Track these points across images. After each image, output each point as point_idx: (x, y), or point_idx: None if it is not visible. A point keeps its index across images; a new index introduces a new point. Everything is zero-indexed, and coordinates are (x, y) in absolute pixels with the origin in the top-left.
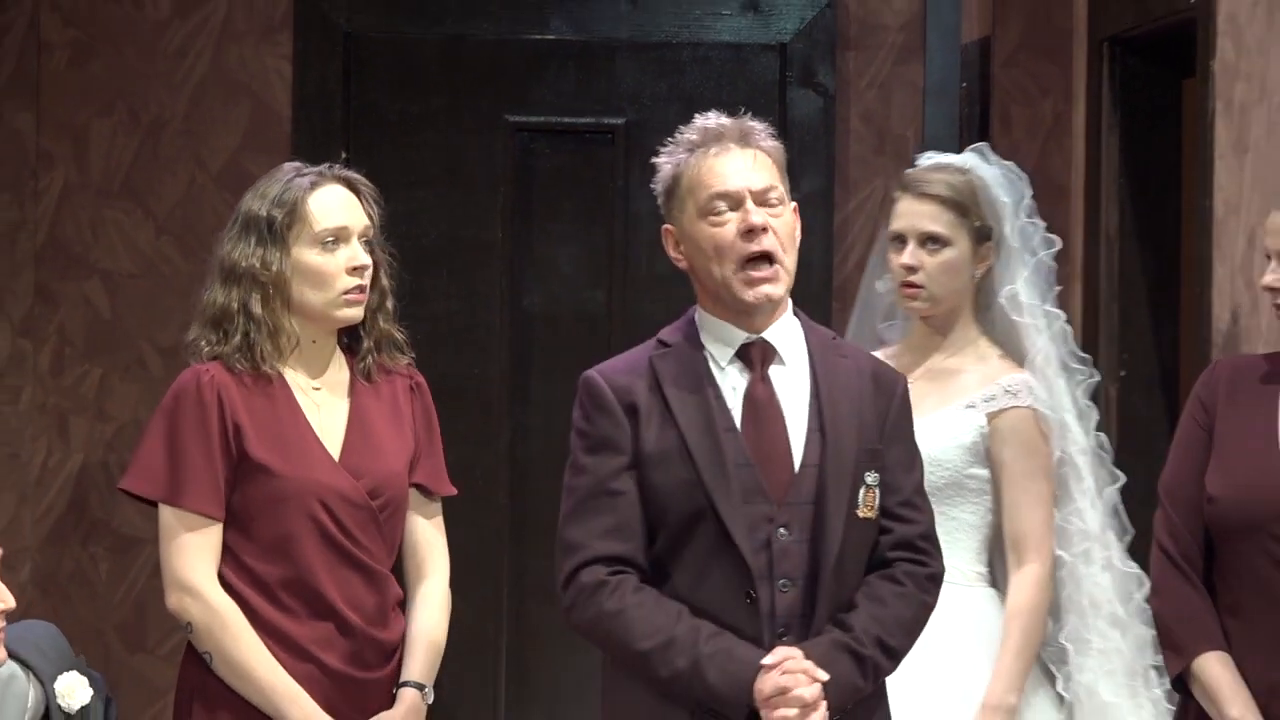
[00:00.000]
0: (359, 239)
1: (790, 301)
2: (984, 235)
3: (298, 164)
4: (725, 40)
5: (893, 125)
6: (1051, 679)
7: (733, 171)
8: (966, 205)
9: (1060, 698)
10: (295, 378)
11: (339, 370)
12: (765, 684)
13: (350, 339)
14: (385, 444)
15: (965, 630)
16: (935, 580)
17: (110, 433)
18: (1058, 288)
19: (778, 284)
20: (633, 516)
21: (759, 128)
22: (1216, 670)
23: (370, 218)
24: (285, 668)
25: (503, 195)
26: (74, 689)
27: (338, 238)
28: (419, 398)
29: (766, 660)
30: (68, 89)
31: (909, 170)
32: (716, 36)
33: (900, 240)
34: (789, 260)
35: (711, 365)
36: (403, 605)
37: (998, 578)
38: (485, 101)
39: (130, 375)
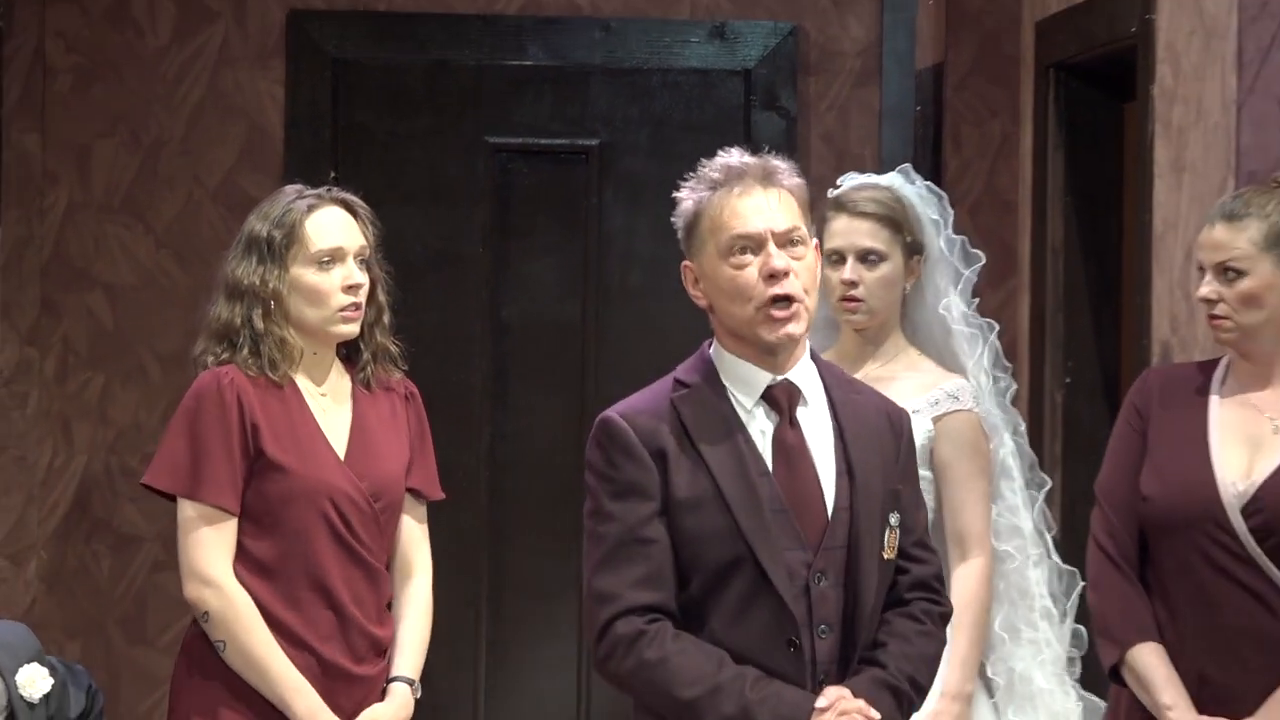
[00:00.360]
0: (355, 259)
1: (807, 341)
2: (914, 250)
3: (300, 186)
4: (693, 66)
5: (851, 145)
6: (981, 665)
7: (754, 212)
8: (899, 221)
9: (989, 685)
10: (303, 384)
11: (339, 379)
12: None
13: (349, 350)
14: (385, 449)
15: None
16: (947, 619)
17: (112, 436)
18: (976, 300)
19: (800, 322)
20: (665, 564)
21: (782, 167)
22: (1151, 660)
23: (366, 238)
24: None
25: (483, 212)
26: (34, 680)
27: (334, 258)
28: (413, 407)
29: (820, 703)
30: (72, 111)
31: (841, 190)
32: (685, 63)
33: (839, 256)
34: (810, 300)
35: (737, 408)
36: (387, 603)
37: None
38: (467, 123)
39: (131, 382)
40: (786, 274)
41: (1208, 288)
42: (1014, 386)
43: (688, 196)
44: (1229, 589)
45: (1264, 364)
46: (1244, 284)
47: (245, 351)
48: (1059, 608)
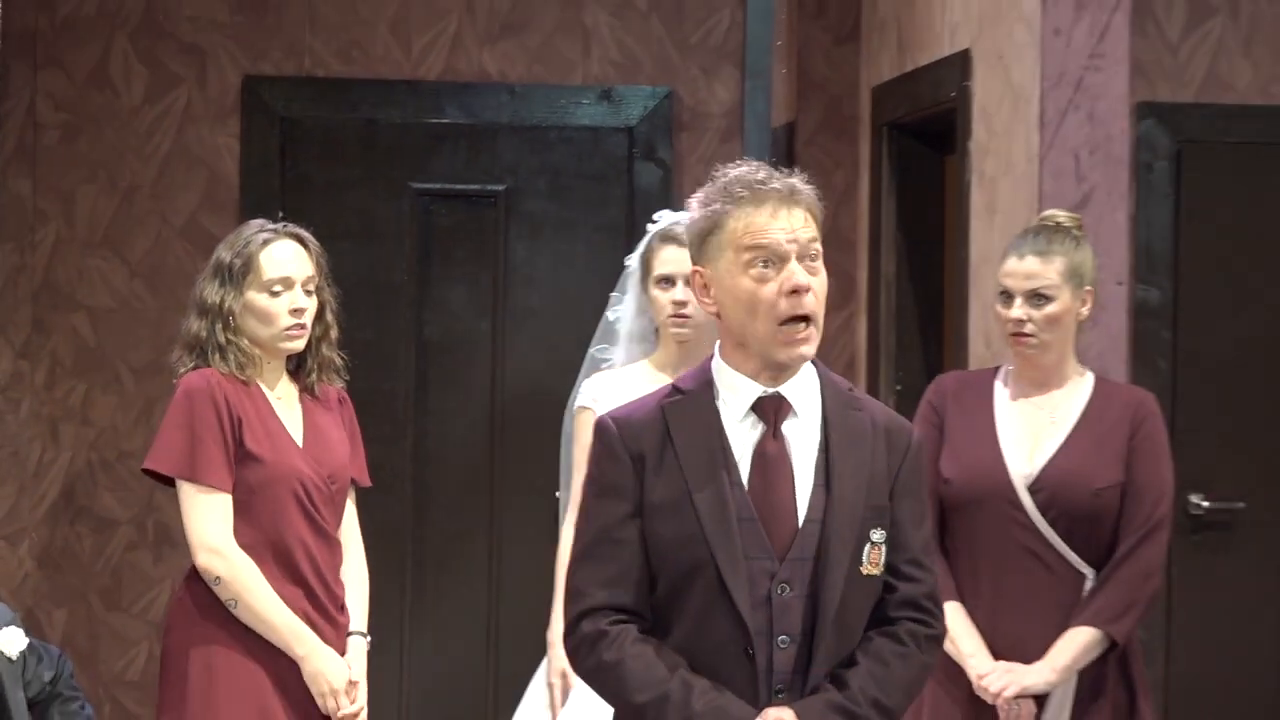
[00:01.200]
0: (302, 286)
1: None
2: None
3: (263, 221)
4: (585, 124)
5: None
6: None
7: (779, 228)
8: None
9: None
10: (263, 387)
11: (289, 385)
12: None
13: (298, 361)
14: (333, 441)
15: None
16: (937, 641)
17: (93, 436)
18: None
19: (812, 344)
20: (634, 565)
21: (803, 186)
22: (953, 617)
23: (315, 268)
24: None
25: (407, 246)
26: (12, 640)
27: (283, 285)
28: (346, 410)
29: None
30: (59, 161)
31: (665, 225)
32: (578, 121)
33: (668, 281)
34: (821, 320)
35: (725, 417)
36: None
37: None
38: (394, 172)
39: (109, 390)
40: (808, 290)
41: (1020, 311)
42: None
43: (704, 205)
44: (1018, 554)
45: (1046, 372)
46: (1050, 308)
47: (217, 357)
48: None
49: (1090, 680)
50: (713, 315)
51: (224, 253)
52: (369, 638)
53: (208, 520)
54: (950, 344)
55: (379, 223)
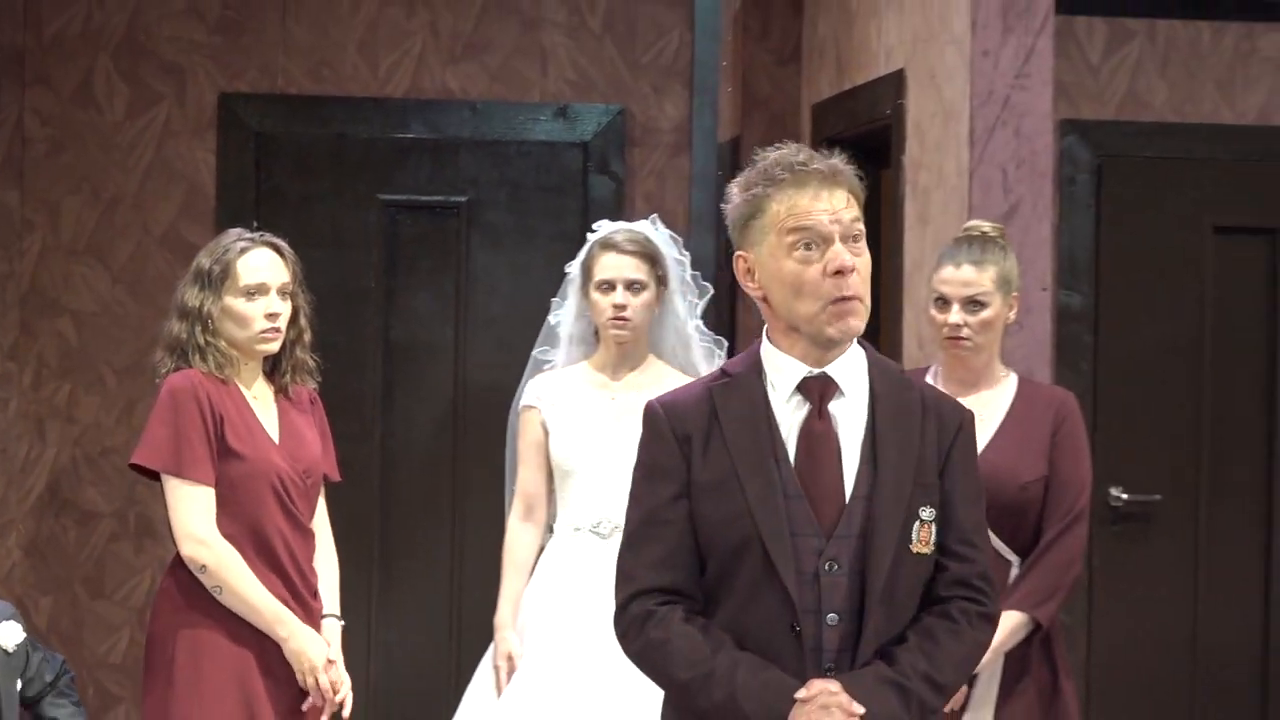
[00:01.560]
0: (277, 292)
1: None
2: (662, 282)
3: (242, 230)
4: (542, 139)
5: (667, 203)
6: None
7: (822, 209)
8: (655, 258)
9: None
10: (241, 386)
11: (264, 385)
12: (799, 717)
13: (274, 362)
14: (307, 439)
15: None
16: (990, 619)
17: (77, 433)
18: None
19: (860, 319)
20: (682, 546)
21: (844, 166)
22: None
23: (290, 275)
24: None
25: (375, 255)
26: (8, 634)
27: (258, 291)
28: (318, 410)
29: (800, 694)
30: (45, 173)
31: (605, 234)
32: (535, 136)
33: (609, 286)
34: (868, 299)
35: (772, 398)
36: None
37: None
38: (362, 184)
39: (92, 390)
40: (852, 269)
41: (957, 316)
42: None
43: (746, 189)
44: None
45: (976, 373)
46: (984, 313)
47: (197, 358)
48: None
49: (1016, 661)
50: (759, 299)
51: (204, 259)
52: (342, 621)
53: (193, 512)
54: (885, 345)
55: (348, 232)
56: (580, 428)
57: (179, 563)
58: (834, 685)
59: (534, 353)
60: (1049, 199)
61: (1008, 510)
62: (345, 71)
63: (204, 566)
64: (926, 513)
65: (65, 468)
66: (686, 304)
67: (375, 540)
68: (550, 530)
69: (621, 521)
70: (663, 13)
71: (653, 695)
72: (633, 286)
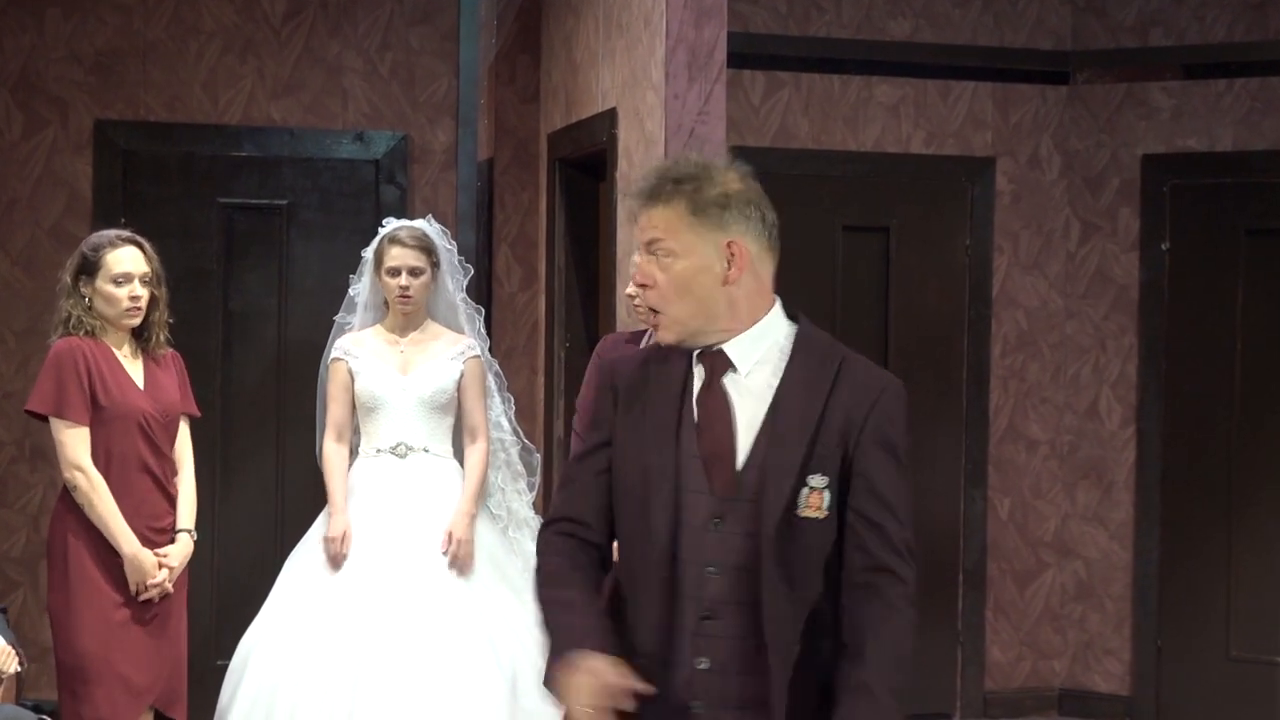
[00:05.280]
0: (139, 280)
1: (770, 313)
2: (436, 266)
3: (115, 230)
4: (344, 157)
5: (440, 206)
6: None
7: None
8: (431, 249)
9: (495, 517)
10: (113, 349)
11: (131, 347)
12: (562, 675)
13: (139, 331)
14: (165, 387)
15: (444, 484)
16: (909, 589)
17: None
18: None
19: (661, 328)
20: (595, 486)
21: (670, 186)
22: None
23: (149, 266)
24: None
25: (216, 245)
26: None
27: (125, 279)
28: (179, 364)
29: (576, 658)
30: None
31: (392, 229)
32: (339, 155)
33: (396, 272)
34: (672, 309)
35: (694, 366)
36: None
37: (456, 453)
38: (206, 191)
39: None
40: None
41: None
42: (486, 343)
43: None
44: None
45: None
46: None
47: (77, 328)
48: (527, 472)
49: None
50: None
51: (85, 249)
52: (195, 535)
53: (72, 446)
54: (604, 313)
55: (195, 227)
56: (380, 373)
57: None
58: (600, 662)
59: (335, 318)
60: None
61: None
62: (192, 104)
63: (76, 488)
64: (816, 479)
65: None
66: (454, 281)
67: (218, 463)
68: (355, 452)
69: (413, 445)
70: (436, 63)
71: (449, 593)
72: (414, 271)
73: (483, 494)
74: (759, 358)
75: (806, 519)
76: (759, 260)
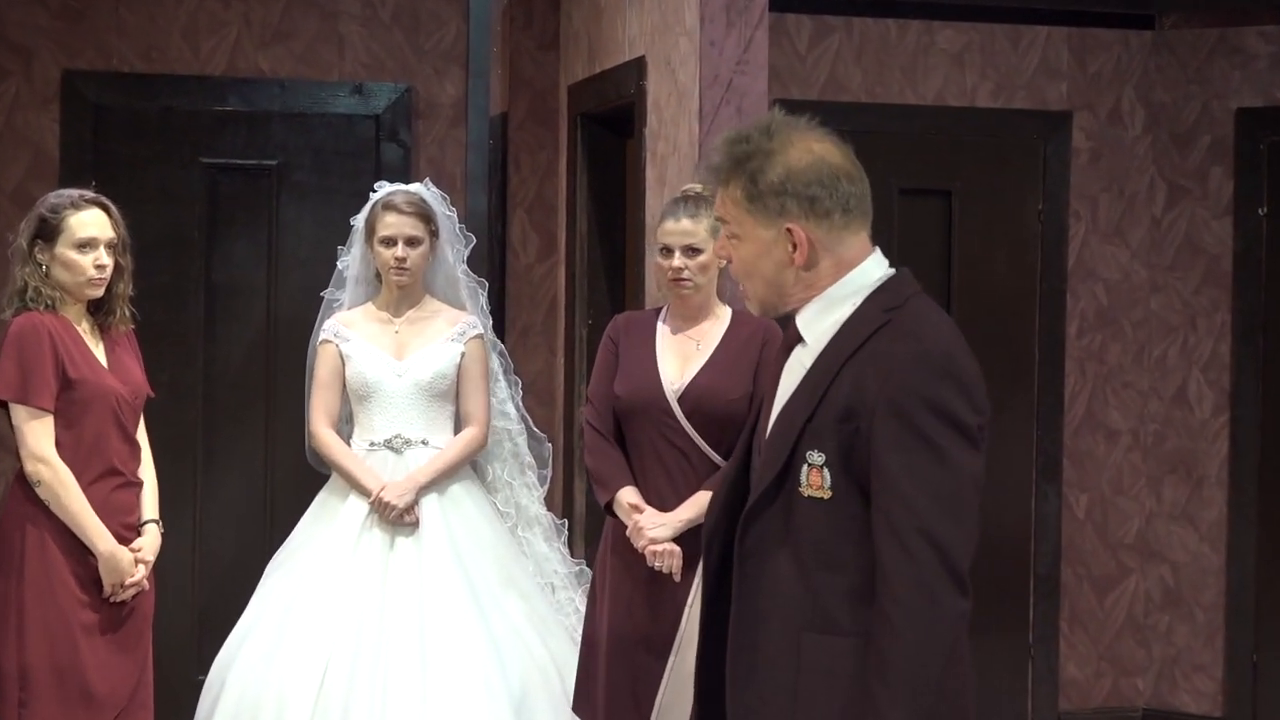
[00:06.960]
0: (105, 246)
1: (851, 275)
2: (435, 235)
3: (79, 189)
4: (341, 112)
5: (447, 167)
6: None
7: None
8: (429, 216)
9: (503, 515)
10: (71, 322)
11: (88, 321)
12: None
13: (98, 304)
14: (129, 365)
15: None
16: (915, 593)
17: None
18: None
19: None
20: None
21: (730, 165)
22: (630, 495)
23: (116, 231)
24: None
25: (198, 210)
26: None
27: (89, 245)
28: (133, 340)
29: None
30: None
31: (386, 194)
32: (336, 109)
33: (391, 242)
34: (746, 286)
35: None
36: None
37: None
38: (186, 149)
39: None
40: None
41: (680, 261)
42: (490, 321)
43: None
44: (668, 449)
45: (696, 309)
46: (701, 258)
47: (34, 300)
48: (538, 464)
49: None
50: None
51: (43, 210)
52: (161, 526)
53: (36, 435)
54: (630, 286)
55: (175, 190)
56: (372, 357)
57: (24, 473)
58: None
59: (324, 294)
60: None
61: (716, 422)
62: (171, 53)
63: (40, 482)
64: (814, 455)
65: None
66: (455, 252)
67: (199, 448)
68: (347, 444)
69: (411, 438)
70: (443, 6)
71: (451, 606)
72: (411, 241)
73: (450, 473)
74: (832, 322)
75: (811, 499)
76: (829, 239)
